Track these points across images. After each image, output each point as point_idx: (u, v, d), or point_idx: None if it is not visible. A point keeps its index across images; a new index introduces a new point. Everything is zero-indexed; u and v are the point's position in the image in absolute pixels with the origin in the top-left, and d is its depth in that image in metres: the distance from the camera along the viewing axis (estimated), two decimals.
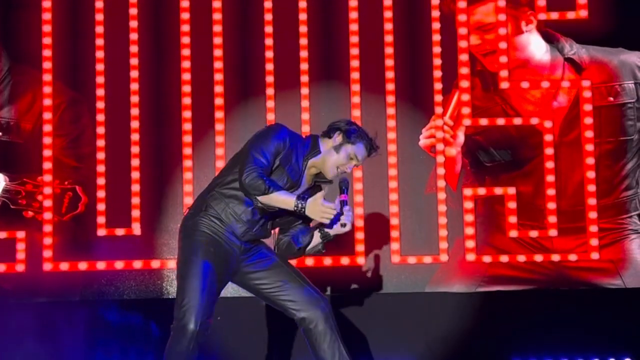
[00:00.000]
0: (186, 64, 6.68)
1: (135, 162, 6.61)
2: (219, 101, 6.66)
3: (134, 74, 6.67)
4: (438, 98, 6.70)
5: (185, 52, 6.69)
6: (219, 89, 6.67)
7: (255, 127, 5.05)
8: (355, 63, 6.68)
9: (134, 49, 6.69)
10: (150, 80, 6.70)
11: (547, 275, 6.64)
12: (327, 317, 4.83)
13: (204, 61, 6.69)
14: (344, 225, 4.71)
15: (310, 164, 4.84)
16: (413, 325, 6.54)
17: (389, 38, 6.72)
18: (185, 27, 6.71)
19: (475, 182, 6.71)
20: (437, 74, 6.71)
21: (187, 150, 6.63)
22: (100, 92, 6.66)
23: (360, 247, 6.59)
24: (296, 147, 4.79)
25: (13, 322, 6.41)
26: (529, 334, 6.50)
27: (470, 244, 6.62)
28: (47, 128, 6.64)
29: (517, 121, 6.73)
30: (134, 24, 6.71)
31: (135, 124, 6.64)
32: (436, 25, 6.73)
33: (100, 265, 6.55)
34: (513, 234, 6.64)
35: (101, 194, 6.59)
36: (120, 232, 6.58)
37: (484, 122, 6.74)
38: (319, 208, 4.58)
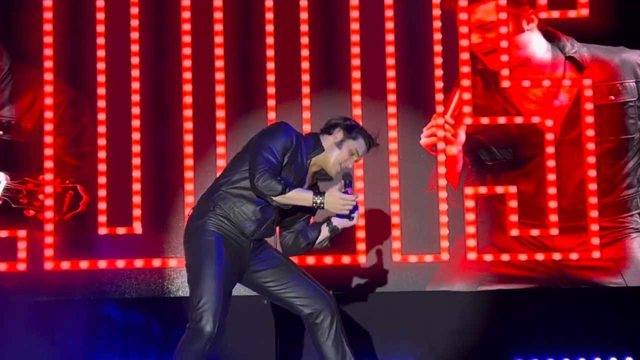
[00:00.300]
0: (187, 63, 6.68)
1: (136, 161, 6.61)
2: (220, 100, 6.66)
3: (135, 72, 6.67)
4: (439, 97, 6.70)
5: (186, 51, 6.69)
6: (220, 88, 6.67)
7: (257, 127, 5.05)
8: (356, 62, 6.68)
9: (135, 47, 6.69)
10: (151, 79, 6.69)
11: (548, 274, 6.64)
12: (333, 314, 4.85)
13: (205, 60, 6.69)
14: (351, 218, 4.76)
15: (312, 162, 4.85)
16: (414, 324, 6.54)
17: (390, 37, 6.71)
18: (186, 26, 6.71)
19: (477, 180, 6.71)
20: (438, 72, 6.70)
21: (188, 149, 6.62)
22: (101, 91, 6.66)
23: (361, 246, 6.59)
24: (300, 145, 4.79)
25: (14, 321, 6.41)
26: (530, 332, 6.50)
27: (472, 242, 6.62)
28: (48, 127, 6.64)
29: (518, 120, 6.73)
30: (135, 22, 6.70)
31: (136, 123, 6.64)
32: (437, 24, 6.73)
33: (102, 264, 6.55)
34: (514, 232, 6.64)
35: (102, 192, 6.59)
36: (121, 231, 6.58)
37: (485, 120, 6.74)
38: (338, 201, 4.61)
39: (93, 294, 6.57)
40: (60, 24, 6.72)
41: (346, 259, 6.58)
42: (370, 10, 6.73)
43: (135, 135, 6.63)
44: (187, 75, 6.67)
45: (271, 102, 6.63)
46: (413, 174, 6.66)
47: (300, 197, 4.66)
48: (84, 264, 6.55)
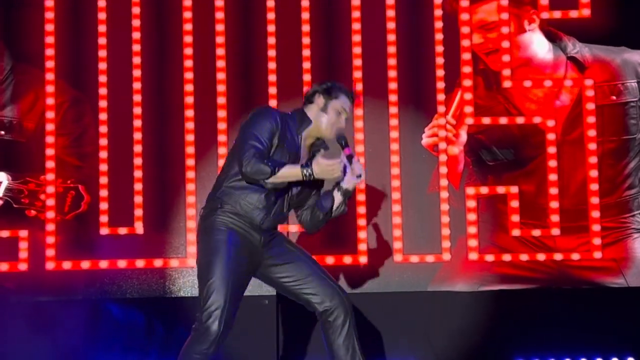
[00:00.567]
0: (189, 63, 6.68)
1: (137, 161, 6.61)
2: (221, 100, 6.66)
3: (137, 73, 6.67)
4: (440, 97, 6.70)
5: (188, 51, 6.69)
6: (221, 87, 6.67)
7: None
8: (357, 62, 6.68)
9: (136, 47, 6.69)
10: (152, 79, 6.70)
11: (549, 274, 6.64)
12: (347, 313, 4.86)
13: (207, 60, 6.69)
14: (359, 176, 4.80)
15: (305, 135, 4.89)
16: (415, 324, 6.54)
17: (391, 37, 6.71)
18: (188, 26, 6.71)
19: (478, 180, 6.71)
20: (440, 72, 6.70)
21: (190, 149, 6.63)
22: (102, 91, 6.66)
23: (362, 246, 6.59)
24: (287, 124, 4.83)
25: (16, 321, 6.41)
26: (531, 332, 6.50)
27: (473, 242, 6.62)
28: (50, 127, 6.64)
29: (520, 120, 6.73)
30: (136, 23, 6.70)
31: (137, 123, 6.64)
32: (439, 24, 6.73)
33: (103, 264, 6.55)
34: (515, 232, 6.64)
35: (104, 192, 6.59)
36: (122, 231, 6.58)
37: (486, 121, 6.73)
38: (324, 167, 4.65)
39: (94, 294, 6.57)
40: (62, 24, 6.72)
41: (348, 259, 6.58)
42: (372, 10, 6.73)
43: (137, 135, 6.63)
44: (189, 75, 6.68)
45: (272, 102, 6.63)
46: (414, 174, 6.66)
47: (290, 173, 4.69)
48: (85, 264, 6.55)
